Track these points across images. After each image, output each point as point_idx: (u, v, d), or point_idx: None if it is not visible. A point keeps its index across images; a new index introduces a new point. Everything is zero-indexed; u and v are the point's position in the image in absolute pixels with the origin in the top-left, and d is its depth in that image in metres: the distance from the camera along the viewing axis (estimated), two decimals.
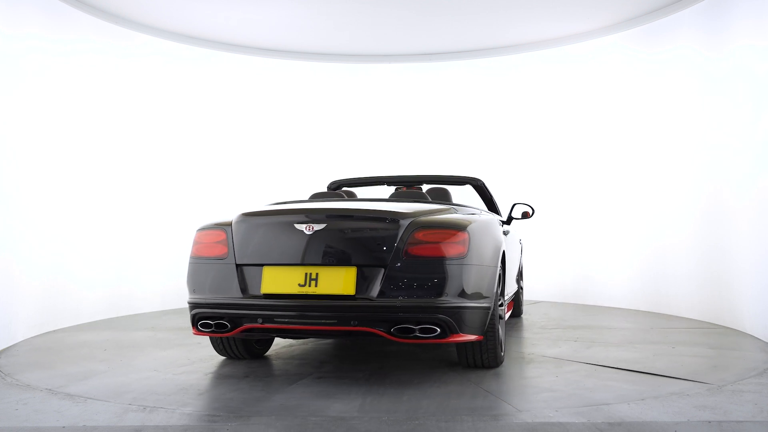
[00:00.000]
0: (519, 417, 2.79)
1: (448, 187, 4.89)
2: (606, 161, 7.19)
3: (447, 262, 3.22)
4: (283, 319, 3.29)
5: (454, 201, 4.51)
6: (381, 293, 3.18)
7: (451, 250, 3.24)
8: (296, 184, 7.35)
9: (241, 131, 7.75)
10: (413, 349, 4.38)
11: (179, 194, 7.12)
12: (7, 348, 4.61)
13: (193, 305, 3.54)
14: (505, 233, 4.62)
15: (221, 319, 3.41)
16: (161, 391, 3.27)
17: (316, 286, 3.24)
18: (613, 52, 7.10)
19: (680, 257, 6.22)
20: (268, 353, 4.26)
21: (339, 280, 3.22)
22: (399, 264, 3.21)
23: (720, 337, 4.95)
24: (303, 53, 7.95)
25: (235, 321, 3.39)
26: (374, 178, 5.52)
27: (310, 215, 3.38)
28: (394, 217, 3.32)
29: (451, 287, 3.19)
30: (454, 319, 3.18)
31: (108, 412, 2.89)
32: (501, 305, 3.97)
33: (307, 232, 3.31)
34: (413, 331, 3.16)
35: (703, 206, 5.87)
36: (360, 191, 5.76)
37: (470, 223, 3.45)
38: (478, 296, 3.33)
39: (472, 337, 3.33)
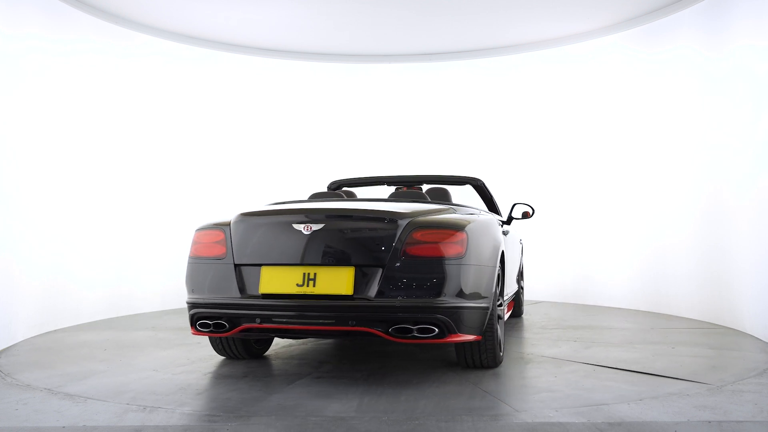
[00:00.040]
0: (519, 417, 2.79)
1: (448, 187, 4.89)
2: (606, 161, 7.19)
3: (445, 262, 3.21)
4: (281, 319, 3.29)
5: (454, 201, 4.51)
6: (379, 293, 3.18)
7: (449, 250, 3.23)
8: (296, 184, 7.35)
9: (241, 131, 7.76)
10: (412, 349, 4.38)
11: (179, 194, 7.13)
12: (7, 348, 4.62)
13: (192, 305, 3.55)
14: (505, 233, 4.62)
15: (219, 319, 3.42)
16: (160, 391, 3.27)
17: (314, 286, 3.24)
18: (613, 52, 7.09)
19: (680, 257, 6.22)
20: (267, 353, 4.26)
21: (337, 280, 3.22)
22: (397, 264, 3.21)
23: (720, 337, 4.94)
24: (303, 53, 7.95)
25: (234, 321, 3.39)
26: (374, 178, 5.52)
27: (308, 215, 3.38)
28: (392, 217, 3.32)
29: (450, 287, 3.19)
30: (453, 319, 3.18)
31: (108, 412, 2.89)
32: (500, 305, 3.97)
33: (306, 232, 3.31)
34: (411, 331, 3.16)
35: (703, 206, 5.87)
36: (360, 191, 5.76)
37: (469, 223, 3.44)
38: (476, 296, 3.33)
39: (471, 337, 3.32)
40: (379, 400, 3.07)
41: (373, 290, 3.19)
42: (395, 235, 3.26)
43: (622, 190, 6.99)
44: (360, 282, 3.22)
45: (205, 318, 3.46)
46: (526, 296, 7.52)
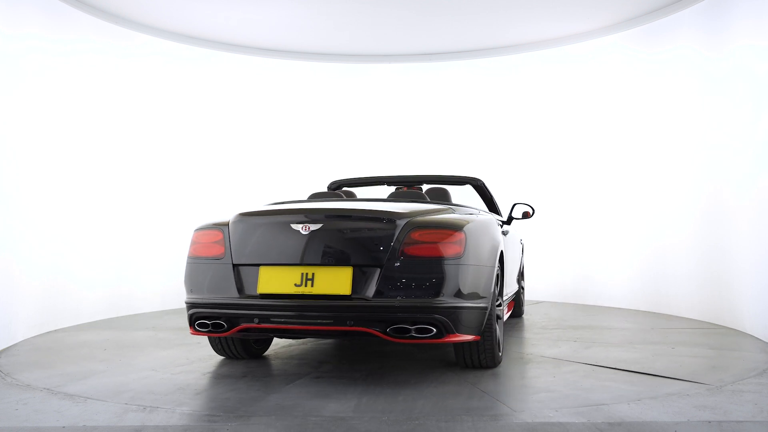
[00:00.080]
0: (519, 417, 2.79)
1: (448, 188, 4.89)
2: (606, 161, 7.18)
3: (443, 262, 3.21)
4: (279, 319, 3.29)
5: (454, 201, 4.51)
6: (377, 293, 3.18)
7: (447, 250, 3.23)
8: (296, 184, 7.36)
9: (241, 131, 7.76)
10: (411, 349, 4.38)
11: (179, 194, 7.13)
12: (7, 348, 4.62)
13: (191, 305, 3.55)
14: (505, 233, 4.62)
15: (218, 319, 3.42)
16: (159, 391, 3.27)
17: (312, 286, 3.24)
18: (613, 52, 7.09)
19: (680, 257, 6.21)
20: (267, 353, 4.26)
21: (335, 280, 3.22)
22: (395, 264, 3.20)
23: (720, 337, 4.94)
24: (303, 53, 7.96)
25: (232, 321, 3.39)
26: (374, 178, 5.52)
27: (306, 215, 3.38)
28: (390, 217, 3.32)
29: (448, 287, 3.18)
30: (451, 319, 3.18)
31: (108, 412, 2.90)
32: (499, 305, 3.97)
33: (304, 232, 3.31)
34: (409, 331, 3.16)
35: (703, 206, 5.86)
36: (360, 191, 5.76)
37: (467, 223, 3.44)
38: (474, 296, 3.33)
39: (469, 337, 3.32)
40: (377, 400, 3.07)
41: (371, 290, 3.19)
42: (393, 235, 3.26)
43: (622, 190, 6.98)
44: (358, 282, 3.22)
45: (203, 318, 3.46)
46: (527, 296, 7.52)
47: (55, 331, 5.43)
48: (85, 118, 6.10)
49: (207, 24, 6.91)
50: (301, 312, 3.24)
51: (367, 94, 8.27)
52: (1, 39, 4.86)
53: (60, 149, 5.73)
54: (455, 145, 8.13)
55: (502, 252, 3.95)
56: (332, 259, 3.28)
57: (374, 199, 3.95)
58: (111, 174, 6.42)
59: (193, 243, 3.65)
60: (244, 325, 3.35)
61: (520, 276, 6.00)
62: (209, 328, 3.45)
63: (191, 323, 3.55)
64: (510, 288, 4.82)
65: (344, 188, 5.47)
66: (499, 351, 3.84)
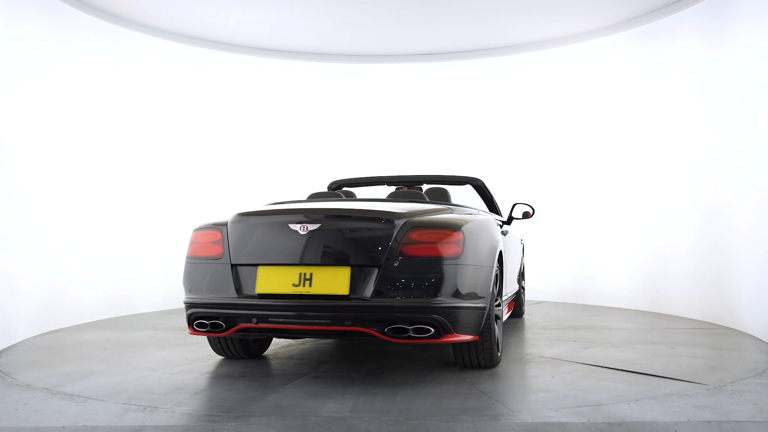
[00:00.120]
0: (519, 417, 2.78)
1: (448, 188, 4.88)
2: (606, 161, 7.18)
3: (441, 262, 3.21)
4: (277, 319, 3.29)
5: (455, 201, 4.51)
6: (375, 293, 3.18)
7: (445, 250, 3.23)
8: (296, 184, 7.36)
9: (241, 131, 7.76)
10: (411, 349, 4.38)
11: (179, 194, 7.14)
12: (7, 348, 4.63)
13: (189, 305, 3.55)
14: (504, 233, 4.61)
15: (216, 318, 3.42)
16: (157, 391, 3.27)
17: (310, 286, 3.24)
18: (613, 52, 7.08)
19: (680, 257, 6.21)
20: (266, 353, 4.26)
21: (333, 280, 3.22)
22: (393, 264, 3.20)
23: (720, 337, 4.93)
24: (303, 53, 7.96)
25: (230, 321, 3.39)
26: (374, 178, 5.52)
27: (304, 215, 3.38)
28: (388, 217, 3.32)
29: (446, 287, 3.18)
30: (449, 320, 3.18)
31: (108, 412, 2.90)
32: (498, 305, 3.97)
33: (302, 232, 3.31)
34: (407, 331, 3.15)
35: (703, 206, 5.86)
36: (360, 191, 5.76)
37: (465, 223, 3.44)
38: (473, 296, 3.33)
39: (467, 338, 3.32)
40: (374, 400, 3.07)
41: (369, 290, 3.19)
42: (391, 235, 3.26)
43: (622, 190, 6.98)
44: (356, 282, 3.21)
45: (202, 318, 3.47)
46: (528, 296, 7.52)
47: (55, 331, 5.44)
48: (85, 118, 6.11)
49: (207, 24, 6.92)
50: (299, 312, 3.24)
51: (367, 94, 8.27)
52: (1, 39, 4.86)
53: (60, 149, 5.73)
54: (455, 145, 8.13)
55: (501, 252, 3.95)
56: (330, 259, 3.28)
57: (373, 199, 3.95)
58: (111, 174, 6.42)
59: (192, 243, 3.65)
60: (242, 325, 3.35)
61: (521, 276, 5.99)
62: (208, 328, 3.45)
63: (190, 323, 3.55)
64: (509, 288, 4.82)
65: (344, 188, 5.47)
66: (498, 351, 3.83)
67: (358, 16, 6.76)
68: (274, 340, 4.62)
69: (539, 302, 7.46)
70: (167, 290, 6.80)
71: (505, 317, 4.50)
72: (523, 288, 6.26)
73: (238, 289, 3.39)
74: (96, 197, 6.20)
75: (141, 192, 6.76)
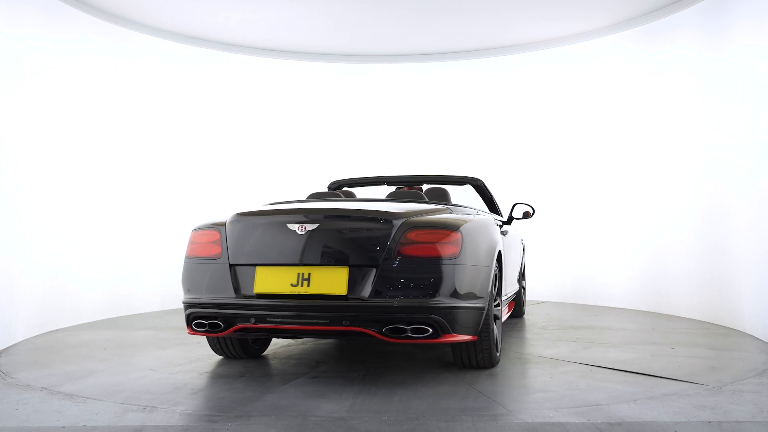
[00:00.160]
0: (519, 417, 2.78)
1: (448, 188, 4.88)
2: (606, 161, 7.17)
3: (439, 262, 3.20)
4: (275, 319, 3.29)
5: (455, 201, 4.51)
6: (373, 293, 3.18)
7: (443, 250, 3.23)
8: (296, 184, 7.36)
9: (240, 131, 7.77)
10: (411, 349, 4.38)
11: (179, 194, 7.14)
12: (8, 348, 4.63)
13: (188, 305, 3.55)
14: (504, 233, 4.61)
15: (215, 318, 3.42)
16: (155, 390, 3.28)
17: (308, 286, 3.24)
18: (613, 52, 7.08)
19: (680, 257, 6.20)
20: (266, 353, 4.26)
21: (331, 280, 3.22)
22: (391, 264, 3.20)
23: (720, 337, 4.92)
24: (303, 53, 7.96)
25: (229, 321, 3.39)
26: (374, 178, 5.52)
27: (302, 215, 3.38)
28: (386, 218, 3.32)
29: (444, 287, 3.18)
30: (447, 320, 3.17)
31: (108, 412, 2.90)
32: (497, 305, 3.97)
33: (300, 233, 3.31)
34: (405, 331, 3.15)
35: (703, 206, 5.85)
36: (360, 191, 5.76)
37: (464, 223, 3.44)
38: (471, 296, 3.33)
39: (466, 338, 3.32)
40: (372, 400, 3.07)
41: (367, 290, 3.19)
42: (389, 235, 3.26)
43: (622, 190, 6.97)
44: (354, 282, 3.21)
45: (200, 318, 3.47)
46: (528, 296, 7.52)
47: (55, 331, 5.44)
48: (85, 118, 6.11)
49: (207, 24, 6.92)
50: (297, 312, 3.24)
51: (367, 94, 8.27)
52: (1, 39, 4.87)
53: (60, 149, 5.74)
54: (455, 145, 8.13)
55: (500, 252, 3.94)
56: (328, 259, 3.28)
57: (372, 199, 3.95)
58: (111, 174, 6.43)
59: (191, 243, 3.65)
60: (240, 325, 3.35)
61: (521, 276, 5.99)
62: (206, 328, 3.45)
63: (188, 323, 3.55)
64: (509, 288, 4.82)
65: (344, 188, 5.47)
66: (497, 351, 3.83)
67: (358, 16, 6.77)
68: (274, 340, 4.62)
69: (540, 302, 7.46)
70: (167, 290, 6.80)
71: (505, 317, 4.50)
72: (524, 288, 6.26)
73: (237, 289, 3.39)
74: (96, 197, 6.21)
75: (141, 192, 6.76)
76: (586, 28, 7.12)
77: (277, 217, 3.45)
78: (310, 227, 3.31)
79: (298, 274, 3.26)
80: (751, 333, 5.00)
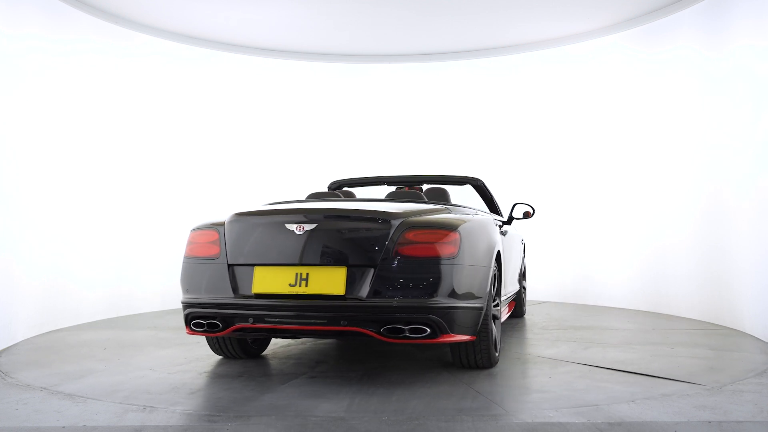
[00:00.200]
0: (519, 417, 2.78)
1: (448, 188, 4.88)
2: (606, 161, 7.17)
3: (437, 262, 3.20)
4: (273, 319, 3.29)
5: (454, 201, 4.50)
6: (371, 293, 3.17)
7: (441, 250, 3.22)
8: (296, 184, 7.36)
9: (240, 131, 7.77)
10: (410, 349, 4.38)
11: (179, 194, 7.14)
12: (8, 348, 4.64)
13: (186, 305, 3.55)
14: (504, 233, 4.61)
15: (213, 318, 3.42)
16: (154, 390, 3.28)
17: (306, 286, 3.24)
18: (613, 52, 7.08)
19: (680, 257, 6.20)
20: (265, 353, 4.26)
21: (329, 280, 3.22)
22: (389, 264, 3.20)
23: (720, 337, 4.92)
24: (303, 53, 7.96)
25: (227, 321, 3.40)
26: (374, 178, 5.52)
27: (300, 215, 3.38)
28: (384, 218, 3.32)
29: (442, 287, 3.18)
30: (445, 320, 3.17)
31: (108, 412, 2.90)
32: (496, 305, 3.96)
33: (298, 233, 3.31)
34: (403, 331, 3.15)
35: (703, 206, 5.85)
36: (360, 191, 5.76)
37: (462, 223, 3.43)
38: (469, 296, 3.32)
39: (464, 338, 3.32)
40: (370, 400, 3.07)
41: (365, 290, 3.19)
42: (388, 235, 3.26)
43: (622, 190, 6.97)
44: (352, 282, 3.21)
45: (199, 318, 3.47)
46: (529, 296, 7.51)
47: (55, 331, 5.44)
48: (85, 118, 6.12)
49: (207, 24, 6.92)
50: (296, 312, 3.24)
51: (367, 94, 8.27)
52: (1, 39, 4.87)
53: (60, 149, 5.74)
54: (455, 145, 8.13)
55: (499, 252, 3.94)
56: (326, 259, 3.28)
57: (370, 199, 3.95)
58: (111, 174, 6.43)
59: (189, 243, 3.65)
60: (238, 325, 3.36)
61: (522, 276, 5.98)
62: (205, 328, 3.46)
63: (187, 323, 3.56)
64: (509, 288, 4.81)
65: (344, 188, 5.47)
66: (496, 351, 3.83)
67: (358, 16, 6.77)
68: (274, 340, 4.62)
69: (540, 302, 7.46)
70: (167, 290, 6.80)
71: (505, 317, 4.49)
72: (525, 288, 6.25)
73: (235, 289, 3.39)
74: (96, 197, 6.21)
75: (141, 192, 6.77)
76: (586, 28, 7.12)
77: (275, 217, 3.45)
78: (308, 227, 3.31)
79: (297, 274, 3.26)
80: (751, 333, 4.99)
